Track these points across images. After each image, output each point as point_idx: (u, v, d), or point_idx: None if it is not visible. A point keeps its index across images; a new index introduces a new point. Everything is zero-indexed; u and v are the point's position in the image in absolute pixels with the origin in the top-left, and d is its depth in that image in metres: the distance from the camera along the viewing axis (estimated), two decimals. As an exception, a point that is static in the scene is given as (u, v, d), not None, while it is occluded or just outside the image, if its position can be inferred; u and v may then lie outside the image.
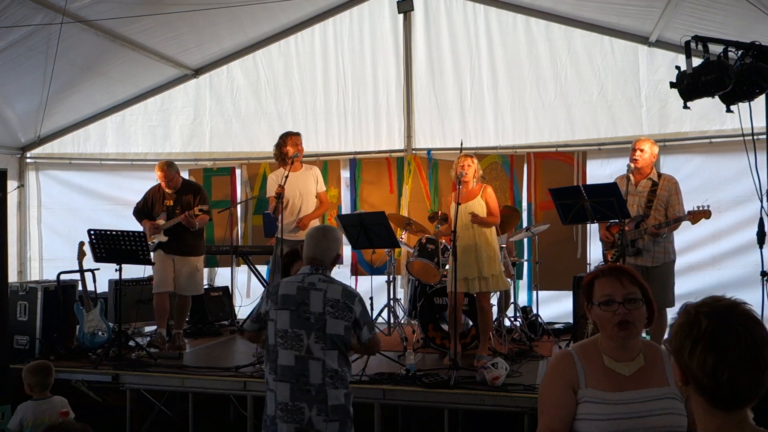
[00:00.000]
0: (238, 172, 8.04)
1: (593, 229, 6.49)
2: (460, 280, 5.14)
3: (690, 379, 1.43)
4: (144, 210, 6.24)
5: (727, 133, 6.39)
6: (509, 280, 6.43)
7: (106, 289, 6.72)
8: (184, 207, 6.07)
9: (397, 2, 7.08)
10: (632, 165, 5.25)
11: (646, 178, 5.26)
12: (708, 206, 4.97)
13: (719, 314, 1.42)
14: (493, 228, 5.43)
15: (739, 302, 1.46)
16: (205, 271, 8.05)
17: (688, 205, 5.13)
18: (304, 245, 3.44)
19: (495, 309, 6.40)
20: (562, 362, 2.24)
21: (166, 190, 6.18)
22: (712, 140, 6.59)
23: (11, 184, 8.00)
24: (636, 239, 5.16)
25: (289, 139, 6.00)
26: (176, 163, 6.35)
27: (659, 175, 5.31)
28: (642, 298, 2.18)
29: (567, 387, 2.16)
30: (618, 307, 2.14)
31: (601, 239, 5.61)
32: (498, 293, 6.27)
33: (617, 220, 5.02)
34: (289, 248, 5.77)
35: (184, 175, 7.72)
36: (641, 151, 5.25)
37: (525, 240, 6.99)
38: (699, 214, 4.97)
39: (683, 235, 6.24)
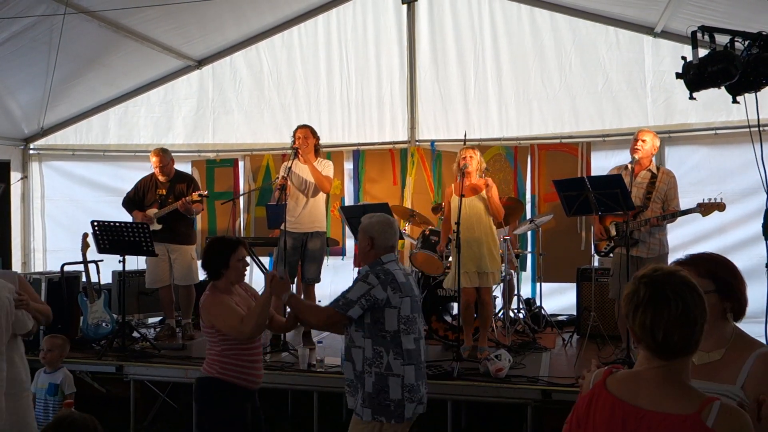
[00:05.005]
0: (240, 163, 8.02)
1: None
2: (462, 274, 5.13)
3: (636, 338, 1.70)
4: (135, 200, 6.24)
5: (733, 124, 6.35)
6: (512, 272, 6.42)
7: (110, 281, 6.73)
8: (177, 196, 6.08)
9: (401, -8, 7.05)
10: (635, 156, 5.20)
11: (646, 170, 5.22)
12: (721, 198, 4.88)
13: (655, 283, 1.66)
14: (493, 225, 5.43)
15: (676, 270, 1.70)
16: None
17: (694, 198, 5.08)
18: (380, 232, 3.42)
19: (499, 300, 6.40)
20: None
21: (160, 178, 6.18)
22: (718, 131, 6.54)
23: (15, 176, 8.03)
24: (632, 230, 5.11)
25: (294, 132, 5.94)
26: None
27: (657, 167, 5.28)
28: (714, 289, 2.07)
29: None
30: None
31: (595, 233, 5.56)
32: (501, 285, 6.27)
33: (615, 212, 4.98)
34: (293, 240, 5.75)
35: (187, 166, 7.75)
36: (643, 141, 5.19)
37: (528, 232, 6.96)
38: (711, 207, 4.86)
39: (689, 227, 6.21)
